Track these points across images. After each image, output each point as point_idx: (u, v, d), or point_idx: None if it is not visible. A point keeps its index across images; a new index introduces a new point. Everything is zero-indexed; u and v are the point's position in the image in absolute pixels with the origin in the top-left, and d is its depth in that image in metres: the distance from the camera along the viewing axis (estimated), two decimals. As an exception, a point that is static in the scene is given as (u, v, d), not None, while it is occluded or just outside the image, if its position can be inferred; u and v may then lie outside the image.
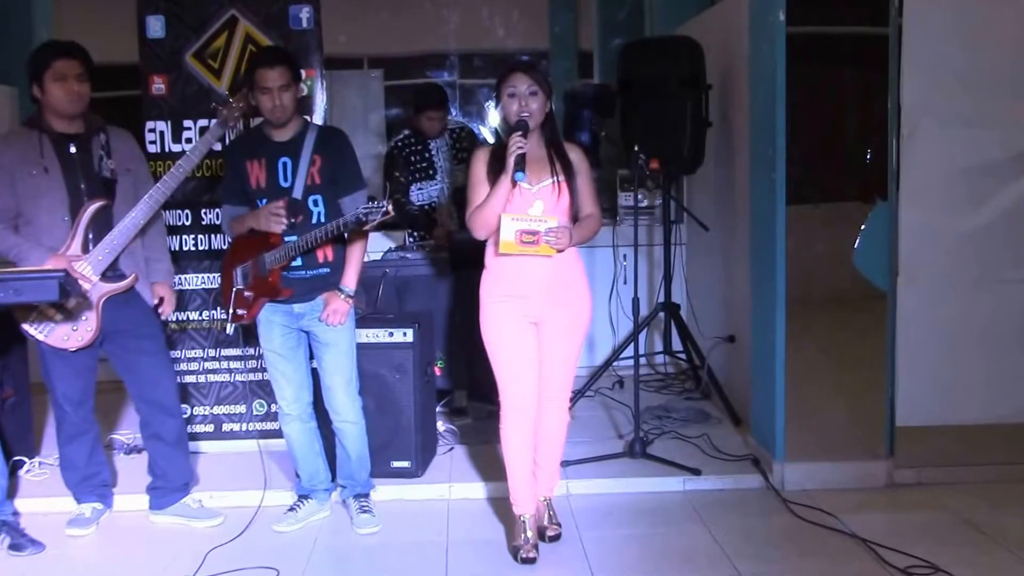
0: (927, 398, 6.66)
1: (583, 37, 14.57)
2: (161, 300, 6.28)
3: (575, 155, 5.68)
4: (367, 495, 6.44)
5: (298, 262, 5.95)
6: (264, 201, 5.96)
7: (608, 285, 8.99)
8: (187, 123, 7.39)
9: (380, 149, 13.45)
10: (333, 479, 6.56)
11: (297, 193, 5.92)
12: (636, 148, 7.24)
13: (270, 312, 6.09)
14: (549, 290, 5.58)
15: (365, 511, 6.30)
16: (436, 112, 8.63)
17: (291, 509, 6.39)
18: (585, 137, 10.26)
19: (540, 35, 15.00)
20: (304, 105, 6.34)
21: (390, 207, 5.50)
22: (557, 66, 14.40)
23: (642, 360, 8.20)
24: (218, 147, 7.05)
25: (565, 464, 6.56)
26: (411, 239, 8.76)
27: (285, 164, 5.97)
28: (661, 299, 8.76)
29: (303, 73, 6.37)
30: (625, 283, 9.01)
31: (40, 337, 5.96)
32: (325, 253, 6.03)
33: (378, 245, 8.76)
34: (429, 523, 6.38)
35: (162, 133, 7.39)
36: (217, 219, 7.34)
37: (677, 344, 8.88)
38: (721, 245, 8.50)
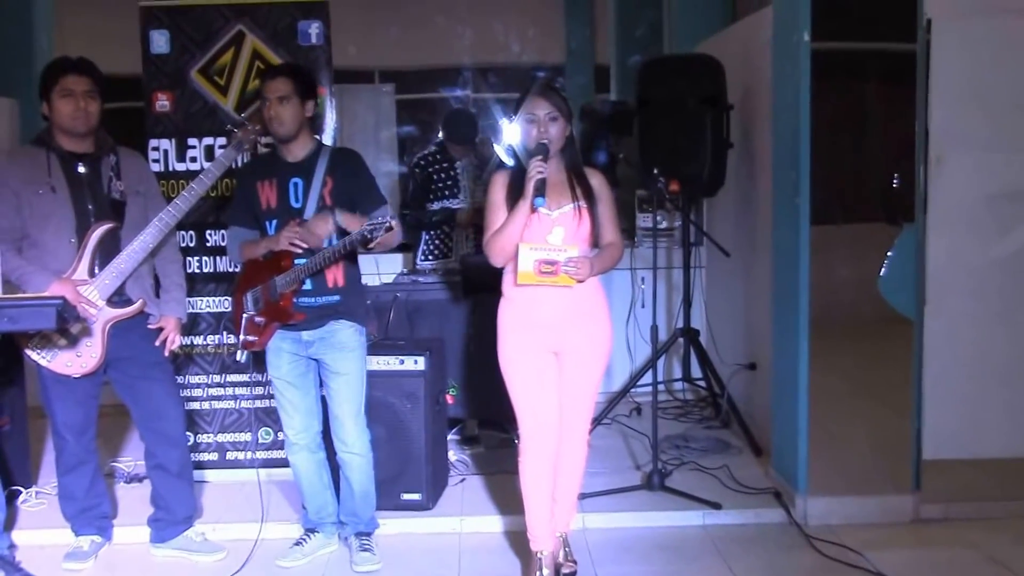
0: (955, 430, 6.49)
1: (600, 52, 14.49)
2: (161, 329, 6.06)
3: (596, 180, 5.52)
4: (369, 534, 6.25)
5: (308, 286, 5.81)
6: (275, 222, 5.84)
7: (625, 309, 8.82)
8: (192, 141, 7.25)
9: (392, 167, 13.36)
10: (341, 512, 6.38)
11: (309, 215, 5.78)
12: (656, 171, 7.07)
13: (279, 339, 5.94)
14: (569, 319, 5.43)
15: (365, 549, 6.12)
16: (460, 147, 8.53)
17: (297, 543, 6.23)
18: (601, 156, 10.11)
19: (556, 50, 14.93)
20: (315, 124, 6.17)
21: (393, 222, 5.42)
22: (573, 81, 14.34)
23: (660, 387, 8.01)
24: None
25: (582, 497, 6.35)
26: (426, 247, 8.62)
27: (296, 185, 5.84)
28: (680, 324, 8.59)
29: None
30: (643, 307, 8.88)
31: (43, 363, 5.79)
32: (335, 278, 5.87)
33: (389, 267, 8.63)
34: (440, 558, 6.22)
35: (166, 151, 7.24)
36: (223, 240, 7.17)
37: (696, 370, 8.69)
38: (742, 269, 8.33)
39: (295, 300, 5.79)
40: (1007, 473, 6.55)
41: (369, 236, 5.43)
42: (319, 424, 6.13)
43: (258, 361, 6.25)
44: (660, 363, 8.20)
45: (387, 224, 5.38)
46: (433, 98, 14.80)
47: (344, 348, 5.90)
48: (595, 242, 5.47)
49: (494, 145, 9.43)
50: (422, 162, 8.62)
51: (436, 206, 8.50)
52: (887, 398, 6.50)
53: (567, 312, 5.42)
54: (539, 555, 5.67)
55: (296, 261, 5.73)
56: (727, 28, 9.25)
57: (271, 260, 5.80)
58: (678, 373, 9.19)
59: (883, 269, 6.37)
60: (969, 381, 6.49)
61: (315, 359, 5.98)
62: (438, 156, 8.59)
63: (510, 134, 5.76)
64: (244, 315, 5.97)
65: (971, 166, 6.37)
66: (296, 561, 6.11)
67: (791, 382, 6.57)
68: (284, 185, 5.85)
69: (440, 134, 8.83)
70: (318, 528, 6.28)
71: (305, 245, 5.66)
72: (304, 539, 6.24)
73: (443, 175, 8.51)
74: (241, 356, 6.09)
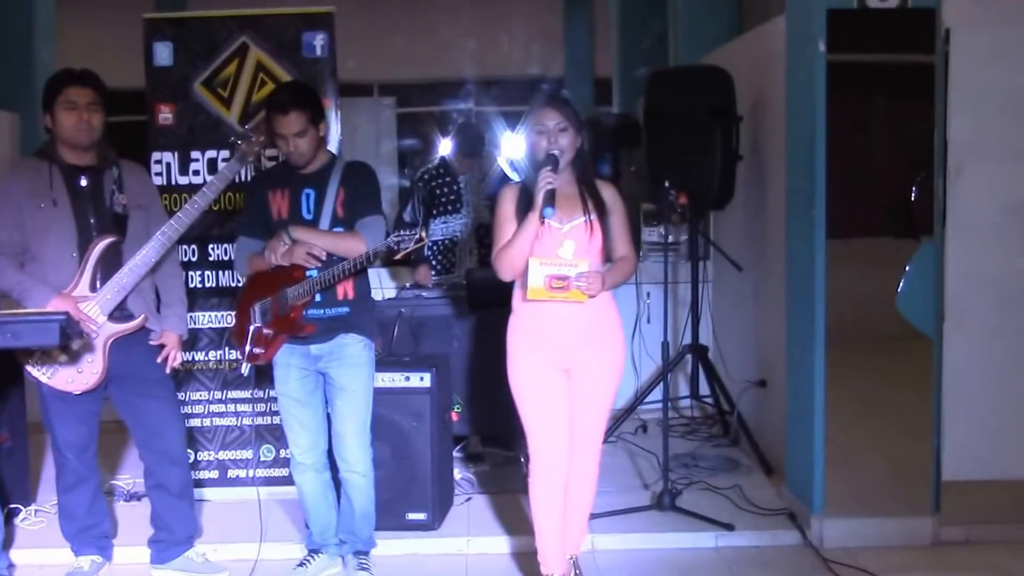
0: (975, 450, 6.36)
1: (600, 64, 14.45)
2: (163, 346, 5.95)
3: (608, 193, 5.41)
4: (367, 553, 6.14)
5: (317, 297, 5.71)
6: None
7: (631, 324, 8.69)
8: (195, 154, 7.15)
9: (393, 181, 13.27)
10: (344, 532, 6.28)
11: (323, 226, 5.71)
12: (667, 183, 6.97)
13: (287, 354, 5.82)
14: (581, 336, 5.32)
15: (363, 568, 6.03)
16: (467, 159, 8.52)
17: (301, 564, 6.10)
18: (604, 168, 10.03)
19: (556, 62, 14.90)
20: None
21: (424, 234, 5.35)
22: (573, 93, 14.31)
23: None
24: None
25: (591, 517, 6.20)
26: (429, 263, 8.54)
27: (308, 195, 5.77)
28: (687, 340, 8.49)
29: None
30: (648, 322, 8.75)
31: (44, 379, 5.69)
32: (345, 290, 5.78)
33: (391, 282, 8.56)
34: (446, 580, 6.13)
35: (168, 164, 7.14)
36: (226, 254, 7.13)
37: (704, 387, 8.60)
38: (751, 284, 8.22)
39: (304, 312, 5.69)
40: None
41: (396, 248, 5.35)
42: (326, 443, 6.01)
43: (260, 376, 6.15)
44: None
45: (417, 236, 5.31)
46: (434, 111, 14.78)
47: (352, 364, 5.80)
48: (607, 256, 5.37)
49: (497, 158, 9.34)
50: (425, 176, 8.57)
51: (439, 221, 8.42)
52: (905, 417, 6.40)
53: (579, 329, 5.32)
54: (549, 579, 5.58)
55: (308, 272, 5.63)
56: (735, 39, 9.15)
57: (284, 270, 5.68)
58: (684, 390, 9.12)
59: (901, 284, 6.26)
60: (990, 399, 6.38)
61: (322, 373, 5.87)
62: (441, 171, 8.54)
63: (518, 146, 5.64)
64: (251, 326, 5.85)
65: (991, 177, 6.28)
66: (301, 583, 6.02)
67: (806, 400, 6.46)
68: (296, 195, 5.77)
69: (441, 148, 8.76)
70: (322, 549, 6.16)
71: (323, 259, 5.57)
72: (308, 560, 6.11)
73: (446, 190, 8.44)
74: (245, 369, 5.98)
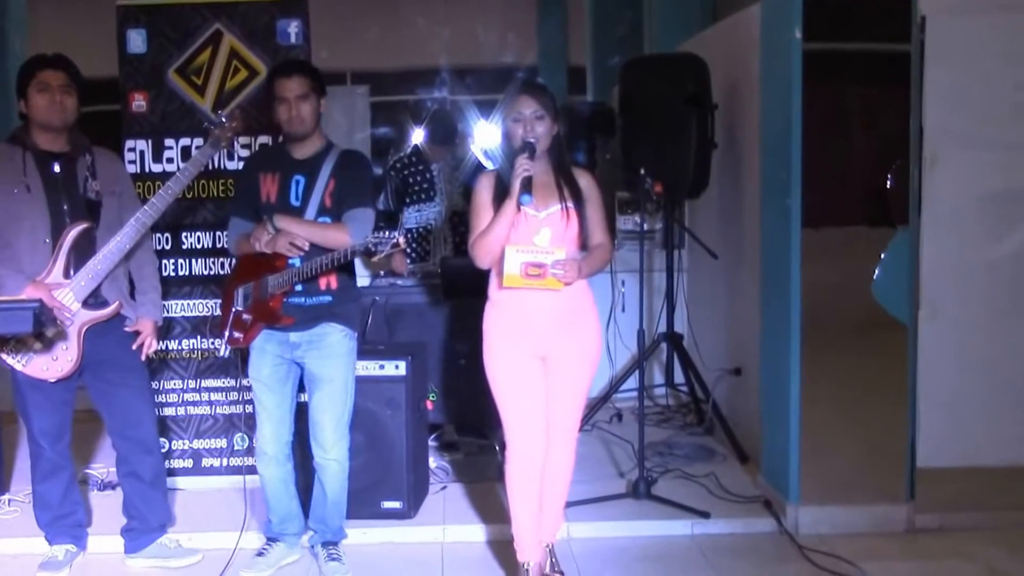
0: (950, 438, 6.35)
1: (573, 53, 14.41)
2: (138, 333, 5.92)
3: (585, 180, 5.41)
4: (337, 544, 6.11)
5: (299, 287, 5.68)
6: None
7: (605, 312, 8.67)
8: (168, 141, 7.09)
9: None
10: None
11: (310, 215, 5.68)
12: (643, 171, 6.95)
13: (264, 340, 5.81)
14: (557, 324, 5.31)
15: (334, 559, 5.99)
16: (440, 147, 8.49)
17: (259, 553, 6.08)
18: (578, 156, 10.02)
19: (530, 51, 14.86)
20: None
21: (401, 239, 5.33)
22: (547, 82, 14.20)
23: (642, 392, 7.91)
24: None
25: (566, 505, 6.19)
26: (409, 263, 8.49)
27: (298, 182, 5.74)
28: (662, 328, 8.48)
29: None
30: (623, 311, 8.74)
31: (18, 367, 5.66)
32: (328, 281, 5.76)
33: (365, 270, 8.53)
34: (421, 569, 6.11)
35: (142, 152, 7.09)
36: (199, 243, 7.11)
37: (678, 375, 8.58)
38: (726, 272, 8.21)
39: (285, 300, 5.67)
40: (1004, 482, 6.40)
41: (373, 250, 5.33)
42: (290, 434, 5.99)
43: (246, 363, 6.12)
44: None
45: (394, 240, 5.30)
46: (408, 100, 14.72)
47: (332, 354, 5.78)
48: (583, 244, 5.35)
49: (470, 146, 9.32)
50: (398, 165, 8.54)
51: (412, 209, 8.40)
52: (880, 405, 6.41)
53: (555, 316, 5.30)
54: (526, 566, 5.57)
55: (290, 262, 5.61)
56: (710, 27, 9.14)
57: (267, 258, 5.66)
58: (658, 378, 9.12)
59: (876, 273, 6.26)
60: (965, 387, 6.36)
61: (299, 363, 5.85)
62: (413, 159, 8.51)
63: (494, 135, 5.62)
64: (232, 310, 5.84)
65: (967, 166, 6.24)
66: (261, 572, 5.97)
67: (782, 388, 6.45)
68: (286, 181, 5.74)
69: (413, 136, 8.72)
70: (280, 538, 6.14)
71: (305, 250, 5.55)
72: (266, 549, 6.10)
73: (419, 178, 8.41)
74: (224, 352, 5.97)
